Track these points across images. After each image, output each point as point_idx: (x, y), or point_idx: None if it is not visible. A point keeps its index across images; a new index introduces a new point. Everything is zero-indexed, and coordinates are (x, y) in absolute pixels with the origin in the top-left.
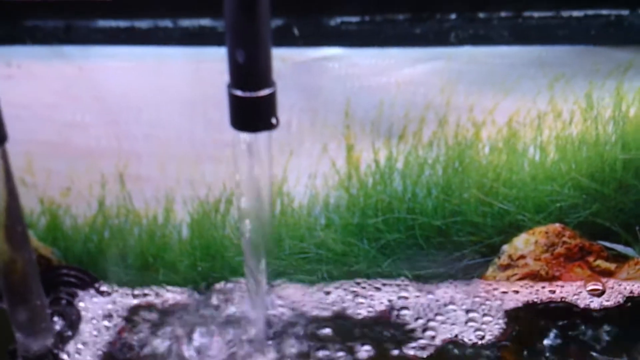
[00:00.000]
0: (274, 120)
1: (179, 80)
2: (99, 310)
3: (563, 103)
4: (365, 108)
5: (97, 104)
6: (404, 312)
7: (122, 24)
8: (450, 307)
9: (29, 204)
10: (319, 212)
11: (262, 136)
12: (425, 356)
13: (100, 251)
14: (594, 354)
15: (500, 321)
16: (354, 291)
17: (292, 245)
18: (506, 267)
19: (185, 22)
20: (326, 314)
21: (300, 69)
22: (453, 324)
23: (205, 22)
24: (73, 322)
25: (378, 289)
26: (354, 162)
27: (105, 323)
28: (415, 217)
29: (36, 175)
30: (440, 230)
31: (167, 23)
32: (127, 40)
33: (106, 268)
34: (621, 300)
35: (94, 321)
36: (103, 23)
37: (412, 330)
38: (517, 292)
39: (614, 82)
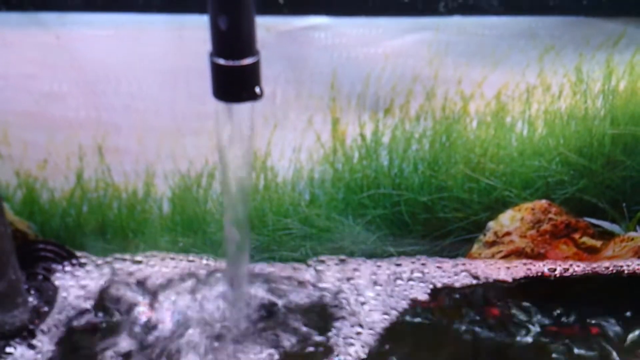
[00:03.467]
0: (258, 91)
1: (159, 49)
2: (76, 285)
3: (552, 76)
4: (352, 80)
5: (75, 73)
6: None
7: None
8: None
9: (5, 176)
10: (303, 187)
11: (245, 107)
12: None
13: (78, 226)
14: None
15: None
16: None
17: (276, 220)
18: (491, 244)
19: None
20: None
21: (285, 39)
22: None
23: None
24: (49, 297)
25: None
26: (339, 136)
27: (82, 299)
28: (401, 193)
29: (12, 147)
30: (426, 207)
31: None
32: (106, 7)
33: (84, 243)
34: None
35: (71, 297)
36: None
37: None
38: None
39: (604, 55)
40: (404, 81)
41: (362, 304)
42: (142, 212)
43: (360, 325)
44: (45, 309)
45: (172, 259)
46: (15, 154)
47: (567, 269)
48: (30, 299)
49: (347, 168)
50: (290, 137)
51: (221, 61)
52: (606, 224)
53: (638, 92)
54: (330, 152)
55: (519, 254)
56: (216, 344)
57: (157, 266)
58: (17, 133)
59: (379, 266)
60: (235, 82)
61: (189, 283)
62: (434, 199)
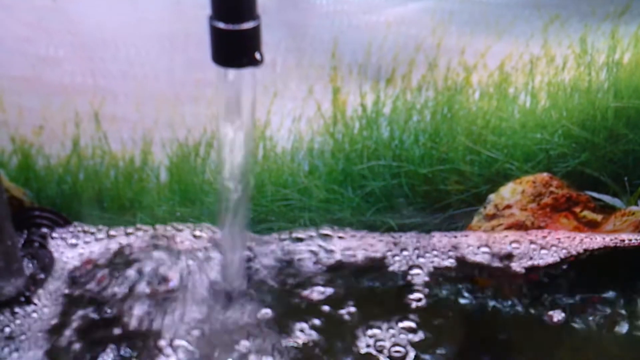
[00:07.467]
0: (258, 56)
1: (157, 14)
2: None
3: (557, 47)
4: (353, 49)
5: (71, 37)
6: None
7: None
8: None
9: (0, 142)
10: (302, 158)
11: (245, 73)
12: None
13: (74, 193)
14: None
15: None
16: None
17: (274, 191)
18: (492, 217)
19: None
20: None
21: (286, 5)
22: None
23: None
24: (46, 264)
25: None
26: (340, 105)
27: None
28: (402, 165)
29: (7, 112)
30: (427, 179)
31: None
32: None
33: (81, 211)
34: None
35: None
36: None
37: None
38: None
39: (610, 26)
40: (406, 50)
41: None
42: (140, 181)
43: None
44: (42, 276)
45: None
46: (10, 120)
47: None
48: (27, 266)
49: (347, 139)
50: (290, 107)
51: (221, 25)
52: (607, 198)
53: None
54: (331, 122)
55: (519, 227)
56: None
57: None
58: (12, 98)
59: None
60: (235, 46)
61: None
62: (435, 171)
